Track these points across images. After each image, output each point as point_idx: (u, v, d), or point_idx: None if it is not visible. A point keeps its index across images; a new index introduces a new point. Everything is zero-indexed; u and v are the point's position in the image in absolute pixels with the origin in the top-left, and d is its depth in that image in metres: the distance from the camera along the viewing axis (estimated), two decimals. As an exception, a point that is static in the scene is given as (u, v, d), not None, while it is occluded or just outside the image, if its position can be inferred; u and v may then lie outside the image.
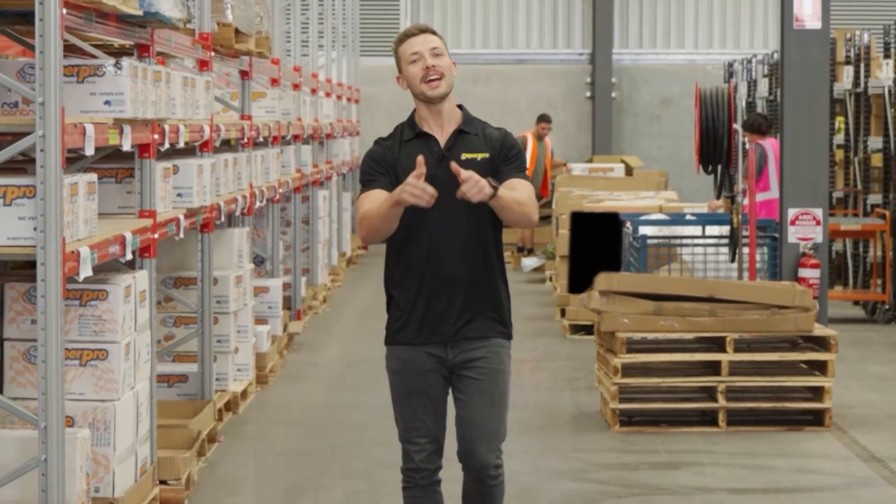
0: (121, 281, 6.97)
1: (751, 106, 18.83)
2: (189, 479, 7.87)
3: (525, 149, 18.71)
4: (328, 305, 15.73)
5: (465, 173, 4.68)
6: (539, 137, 18.00)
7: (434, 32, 5.10)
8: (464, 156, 4.92)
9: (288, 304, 13.23)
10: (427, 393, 5.00)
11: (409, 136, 4.99)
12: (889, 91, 14.44)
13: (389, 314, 5.12)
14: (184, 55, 8.94)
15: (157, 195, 7.61)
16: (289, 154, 13.39)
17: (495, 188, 4.77)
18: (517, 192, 4.94)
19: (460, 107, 5.11)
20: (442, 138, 4.97)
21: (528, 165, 5.17)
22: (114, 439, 6.77)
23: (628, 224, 11.97)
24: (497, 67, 22.82)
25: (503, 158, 5.01)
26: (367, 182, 5.03)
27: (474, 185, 4.68)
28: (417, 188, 4.65)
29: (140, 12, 6.83)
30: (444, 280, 5.04)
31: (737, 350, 9.15)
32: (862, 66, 15.27)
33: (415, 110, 5.07)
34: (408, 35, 5.06)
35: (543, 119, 18.82)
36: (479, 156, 4.95)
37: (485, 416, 5.03)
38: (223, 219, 9.50)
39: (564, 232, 14.23)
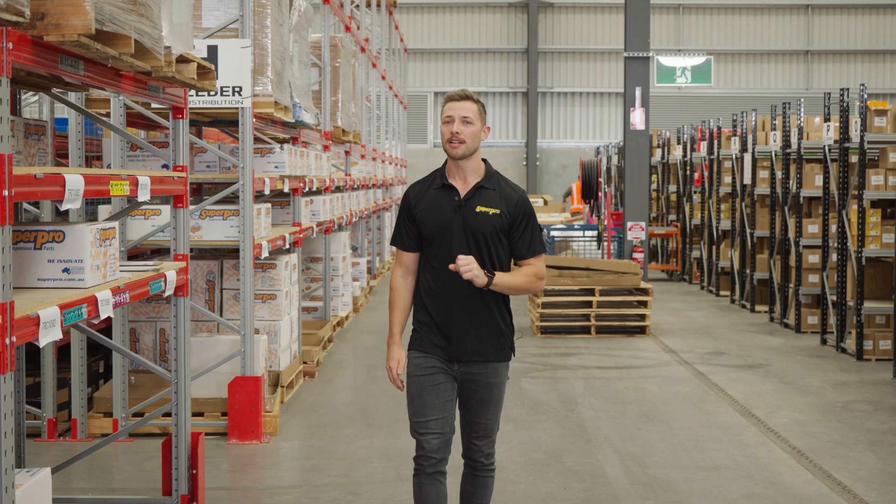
0: (283, 259, 8.74)
1: (609, 170, 23.95)
2: (318, 361, 10.31)
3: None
4: (390, 271, 19.59)
5: (461, 263, 4.56)
6: None
7: (474, 100, 4.72)
8: (478, 208, 4.68)
9: (369, 270, 17.58)
10: (438, 389, 4.70)
11: (438, 185, 4.78)
12: (678, 162, 19.58)
13: (413, 325, 4.85)
14: (315, 143, 11.42)
15: (302, 215, 9.76)
16: (370, 194, 17.56)
17: (490, 278, 4.63)
18: (516, 277, 4.72)
19: (485, 161, 4.82)
20: (463, 190, 4.73)
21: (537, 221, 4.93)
22: (279, 340, 8.56)
23: (545, 229, 15.40)
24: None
25: (516, 223, 4.73)
26: (397, 231, 4.90)
27: (468, 273, 4.57)
28: (392, 377, 4.78)
29: (293, 120, 8.95)
30: (454, 306, 4.72)
31: (601, 294, 12.69)
32: (665, 149, 20.78)
33: (447, 160, 4.80)
34: (451, 98, 4.72)
35: None
36: (492, 210, 4.68)
37: (482, 419, 4.80)
38: (336, 226, 12.67)
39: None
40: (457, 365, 4.78)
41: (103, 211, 8.21)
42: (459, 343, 4.75)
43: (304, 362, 10.10)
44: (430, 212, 4.76)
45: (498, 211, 4.72)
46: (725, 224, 17.17)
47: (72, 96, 7.24)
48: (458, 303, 4.73)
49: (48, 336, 3.81)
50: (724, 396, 9.51)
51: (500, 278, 4.66)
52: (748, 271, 15.59)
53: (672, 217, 20.59)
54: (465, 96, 4.72)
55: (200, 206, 7.91)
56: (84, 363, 7.80)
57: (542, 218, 18.76)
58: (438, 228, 4.73)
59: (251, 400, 7.63)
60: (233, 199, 8.12)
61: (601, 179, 21.66)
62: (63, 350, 8.05)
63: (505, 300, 4.85)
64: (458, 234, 4.70)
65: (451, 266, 4.62)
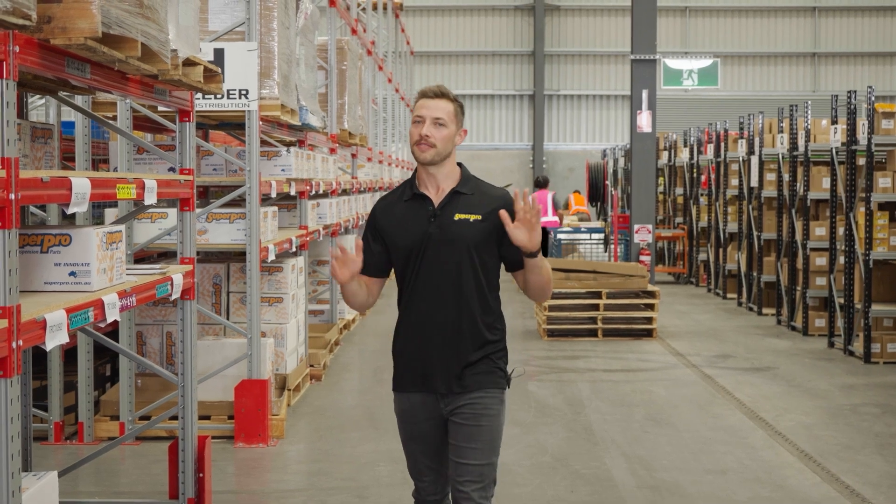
0: (289, 262, 8.90)
1: (615, 173, 24.35)
2: (324, 364, 10.46)
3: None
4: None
5: (532, 205, 4.10)
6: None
7: (450, 98, 4.28)
8: (457, 216, 4.25)
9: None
10: (426, 438, 4.39)
11: (408, 197, 4.32)
12: (685, 165, 19.75)
13: (392, 356, 4.43)
14: (322, 146, 11.34)
15: (308, 218, 9.82)
16: (377, 197, 16.67)
17: (539, 250, 4.19)
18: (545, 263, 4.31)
19: (460, 165, 4.37)
20: (436, 198, 4.28)
21: None
22: (286, 344, 8.73)
23: (552, 232, 15.94)
24: (484, 152, 32.95)
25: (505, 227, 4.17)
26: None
27: (530, 226, 4.11)
28: (337, 260, 4.14)
29: (299, 123, 9.08)
30: (433, 332, 4.28)
31: (608, 297, 12.81)
32: (672, 151, 20.96)
33: (417, 168, 4.36)
34: (424, 94, 4.30)
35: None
36: (473, 217, 4.24)
37: (469, 457, 4.29)
38: (343, 229, 12.57)
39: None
40: (442, 399, 4.30)
41: (110, 214, 8.25)
42: (436, 374, 4.27)
43: (311, 365, 10.15)
44: (400, 226, 4.26)
45: (480, 216, 4.22)
46: (732, 227, 17.20)
47: (78, 99, 7.26)
48: (435, 327, 4.25)
49: (55, 339, 3.82)
50: (731, 399, 9.54)
51: (541, 258, 4.20)
52: (755, 274, 15.61)
53: (679, 220, 20.67)
54: (440, 94, 4.24)
55: (207, 210, 7.92)
56: (91, 366, 7.83)
57: (549, 220, 18.78)
58: (412, 244, 4.23)
59: (258, 403, 7.65)
60: (239, 202, 8.15)
61: (608, 182, 21.72)
62: (70, 353, 8.09)
63: (493, 320, 4.33)
64: (433, 247, 4.20)
65: (519, 206, 4.07)
